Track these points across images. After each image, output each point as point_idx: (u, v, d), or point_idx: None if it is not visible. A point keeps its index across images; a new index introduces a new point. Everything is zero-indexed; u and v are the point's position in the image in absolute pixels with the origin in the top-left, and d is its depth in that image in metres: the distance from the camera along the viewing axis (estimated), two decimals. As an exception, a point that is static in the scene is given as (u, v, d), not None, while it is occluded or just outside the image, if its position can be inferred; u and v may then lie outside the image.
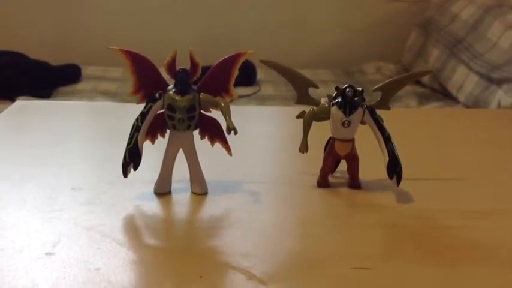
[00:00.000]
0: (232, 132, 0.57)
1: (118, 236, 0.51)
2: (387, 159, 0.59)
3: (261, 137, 0.82)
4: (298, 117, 0.62)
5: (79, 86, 2.07)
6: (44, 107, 0.98)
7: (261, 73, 2.11)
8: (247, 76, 2.05)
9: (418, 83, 2.05)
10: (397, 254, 0.50)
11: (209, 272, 0.46)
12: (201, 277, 0.45)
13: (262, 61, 0.63)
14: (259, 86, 2.06)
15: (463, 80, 1.81)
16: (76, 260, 0.47)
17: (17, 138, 0.77)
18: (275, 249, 0.50)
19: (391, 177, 0.59)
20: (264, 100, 1.98)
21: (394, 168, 0.59)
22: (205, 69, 0.59)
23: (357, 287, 0.45)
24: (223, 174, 0.65)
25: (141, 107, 0.58)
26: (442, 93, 1.93)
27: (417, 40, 2.14)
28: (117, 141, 0.63)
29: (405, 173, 0.60)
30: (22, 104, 0.98)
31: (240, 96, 1.96)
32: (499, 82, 1.65)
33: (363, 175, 0.63)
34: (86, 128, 0.87)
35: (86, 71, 2.17)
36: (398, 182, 0.59)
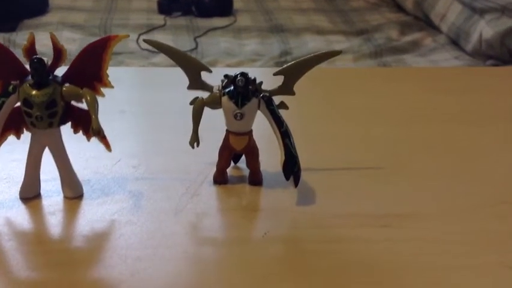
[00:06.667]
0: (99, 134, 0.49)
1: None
2: (283, 158, 0.51)
3: (167, 112, 0.73)
4: (191, 104, 0.54)
5: (46, 18, 1.97)
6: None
7: (237, 2, 2.00)
8: (222, 5, 1.93)
9: (402, 10, 1.94)
10: (274, 282, 0.43)
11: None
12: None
13: (145, 40, 0.55)
14: (235, 16, 1.95)
15: (446, 9, 1.69)
16: None
17: None
18: (138, 286, 0.42)
19: (287, 178, 0.51)
20: (239, 32, 1.88)
21: (291, 169, 0.51)
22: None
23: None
24: (111, 167, 0.57)
25: None
26: (425, 22, 1.81)
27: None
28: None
29: (315, 161, 0.55)
30: None
31: (215, 28, 1.86)
32: (482, 12, 1.54)
33: (268, 167, 0.56)
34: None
35: (54, 0, 2.06)
36: (296, 184, 0.52)
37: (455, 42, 1.62)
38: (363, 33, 1.76)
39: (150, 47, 1.58)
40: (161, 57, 1.55)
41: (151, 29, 1.82)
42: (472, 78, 0.89)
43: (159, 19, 1.90)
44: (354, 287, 0.43)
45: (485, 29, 1.49)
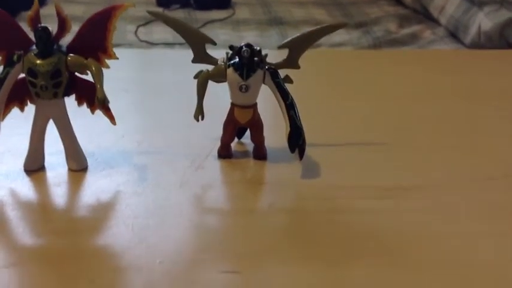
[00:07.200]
0: (104, 104, 0.49)
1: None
2: (288, 129, 0.51)
3: (170, 91, 0.73)
4: (195, 77, 0.54)
5: (44, 10, 1.94)
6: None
7: (236, -6, 2.00)
8: (221, -2, 1.93)
9: (400, 3, 1.94)
10: (280, 252, 0.43)
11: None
12: None
13: (149, 12, 0.55)
14: (233, 9, 1.94)
15: (445, 1, 1.69)
16: None
17: None
18: (145, 252, 0.42)
19: (292, 150, 0.51)
20: (238, 25, 1.87)
21: (296, 141, 0.51)
22: None
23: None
24: (115, 143, 0.57)
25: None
26: (424, 15, 1.81)
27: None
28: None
29: (319, 137, 0.54)
30: None
31: (213, 21, 1.85)
32: (481, 4, 1.54)
33: (271, 142, 0.56)
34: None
35: (53, -8, 2.06)
36: (301, 156, 0.52)
37: (454, 35, 1.62)
38: (362, 26, 1.76)
39: (148, 39, 1.56)
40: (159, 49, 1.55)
41: (150, 21, 1.81)
42: (470, 60, 0.90)
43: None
44: (360, 256, 0.43)
45: (484, 21, 1.49)
